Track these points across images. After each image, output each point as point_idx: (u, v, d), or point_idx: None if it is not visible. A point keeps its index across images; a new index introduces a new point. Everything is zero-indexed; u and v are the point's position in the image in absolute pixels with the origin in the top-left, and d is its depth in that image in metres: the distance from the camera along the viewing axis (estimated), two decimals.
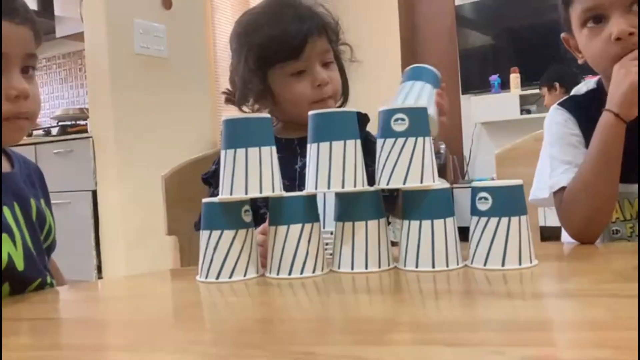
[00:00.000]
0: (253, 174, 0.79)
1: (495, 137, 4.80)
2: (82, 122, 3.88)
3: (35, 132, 3.91)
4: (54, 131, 3.79)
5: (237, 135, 0.80)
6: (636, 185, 0.96)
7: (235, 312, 0.68)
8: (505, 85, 4.60)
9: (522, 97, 4.49)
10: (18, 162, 0.92)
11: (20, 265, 0.81)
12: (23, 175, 0.90)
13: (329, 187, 0.80)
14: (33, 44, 0.83)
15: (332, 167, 0.80)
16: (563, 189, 0.97)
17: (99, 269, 3.59)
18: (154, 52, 3.71)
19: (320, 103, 1.07)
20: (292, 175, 1.02)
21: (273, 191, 0.80)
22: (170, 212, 1.20)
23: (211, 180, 1.08)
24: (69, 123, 3.91)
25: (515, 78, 4.52)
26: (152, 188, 2.36)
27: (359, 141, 0.82)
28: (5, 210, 0.82)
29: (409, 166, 0.79)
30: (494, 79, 4.63)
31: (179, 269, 1.06)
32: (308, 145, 0.82)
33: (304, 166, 1.03)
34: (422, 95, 0.95)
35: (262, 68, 1.07)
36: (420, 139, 0.80)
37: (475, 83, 4.78)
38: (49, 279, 0.86)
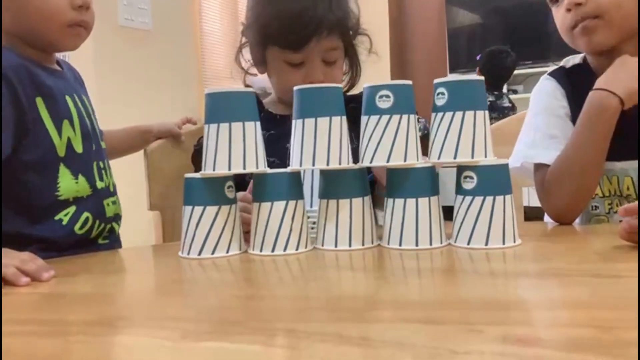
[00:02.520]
0: (236, 149, 0.78)
1: None
2: None
3: None
4: None
5: (220, 109, 0.79)
6: (615, 163, 0.96)
7: (216, 288, 0.67)
8: None
9: None
10: (64, 65, 1.02)
11: (78, 147, 0.94)
12: (71, 76, 1.02)
13: (313, 164, 0.79)
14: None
15: (317, 144, 0.79)
16: (544, 166, 0.96)
17: None
18: (139, 25, 3.64)
19: None
20: (283, 154, 1.00)
21: (257, 167, 0.79)
22: (153, 187, 1.18)
23: (198, 157, 1.05)
24: None
25: None
26: (135, 163, 2.34)
27: (344, 117, 0.81)
28: (68, 99, 0.94)
29: (393, 144, 0.78)
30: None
31: (161, 245, 1.05)
32: (293, 121, 0.81)
33: None
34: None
35: (262, 43, 1.04)
36: (405, 117, 0.79)
37: (463, 61, 4.76)
38: (102, 163, 0.99)
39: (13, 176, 0.89)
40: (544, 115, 1.00)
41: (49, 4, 0.90)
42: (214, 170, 0.78)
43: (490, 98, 3.33)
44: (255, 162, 0.79)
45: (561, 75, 1.01)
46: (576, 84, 0.99)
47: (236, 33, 4.66)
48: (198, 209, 0.80)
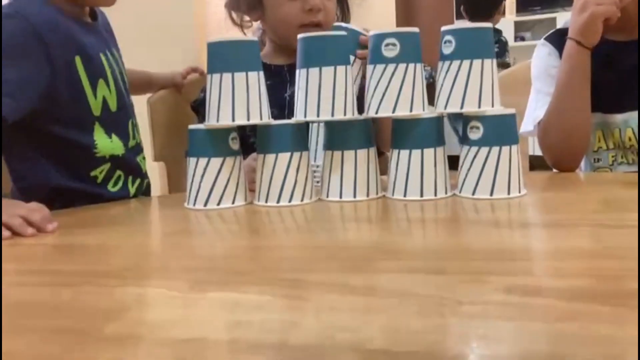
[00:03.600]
0: (240, 100, 0.77)
1: None
2: None
3: None
4: None
5: (223, 59, 0.78)
6: (615, 116, 0.98)
7: (223, 239, 0.68)
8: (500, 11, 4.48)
9: (517, 23, 4.39)
10: (99, 14, 1.00)
11: (113, 106, 0.94)
12: (103, 27, 1.00)
13: (318, 115, 0.78)
14: None
15: (322, 95, 0.78)
16: None
17: None
18: None
19: (308, 28, 1.02)
20: (281, 104, 1.00)
21: (261, 119, 0.79)
22: (156, 138, 1.18)
23: (200, 109, 1.05)
24: None
25: (510, 3, 4.40)
26: (138, 114, 2.32)
27: (349, 67, 0.79)
28: (102, 57, 0.93)
29: (399, 94, 0.77)
30: None
31: (167, 196, 1.05)
32: (297, 71, 0.80)
33: (293, 94, 1.01)
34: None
35: None
36: (411, 66, 0.77)
37: None
38: (134, 121, 1.00)
39: (51, 132, 0.89)
40: (542, 77, 1.03)
41: None
42: (217, 121, 0.78)
43: None
44: (259, 113, 0.78)
45: (555, 38, 1.03)
46: None
47: None
48: (203, 161, 0.79)
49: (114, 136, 0.95)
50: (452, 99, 0.77)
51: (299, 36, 0.79)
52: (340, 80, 0.78)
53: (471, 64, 0.76)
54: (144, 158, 1.03)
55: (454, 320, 0.38)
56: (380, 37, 0.77)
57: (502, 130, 0.77)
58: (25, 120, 0.85)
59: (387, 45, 0.77)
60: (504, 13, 4.44)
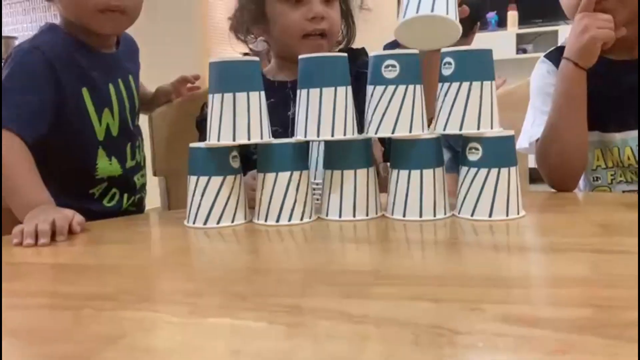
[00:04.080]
0: (241, 119, 0.78)
1: None
2: None
3: None
4: None
5: (225, 78, 0.78)
6: (614, 134, 0.99)
7: (222, 260, 0.68)
8: (502, 24, 4.51)
9: (518, 35, 4.41)
10: (123, 41, 1.09)
11: (115, 131, 1.03)
12: (125, 53, 1.09)
13: (318, 135, 0.79)
14: None
15: (322, 115, 0.78)
16: None
17: None
18: None
19: (312, 38, 1.02)
20: (285, 122, 1.00)
21: (261, 138, 0.79)
22: (157, 153, 1.19)
23: (203, 124, 1.05)
24: None
25: (512, 16, 4.42)
26: (142, 123, 2.33)
27: (349, 87, 0.80)
28: (110, 87, 1.02)
29: (399, 115, 0.78)
30: (491, 16, 4.53)
31: (167, 212, 1.06)
32: (298, 91, 0.81)
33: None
34: None
35: None
36: (410, 87, 0.78)
37: None
38: (137, 142, 1.09)
39: (58, 156, 0.98)
40: (540, 95, 1.03)
41: None
42: (218, 140, 0.78)
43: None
44: (260, 132, 0.79)
45: (555, 56, 1.03)
46: None
47: None
48: (203, 179, 0.80)
49: (113, 159, 1.05)
50: (452, 120, 0.78)
51: (300, 57, 0.80)
52: (341, 101, 0.79)
53: (470, 85, 0.77)
54: (142, 175, 1.12)
55: (450, 351, 0.39)
56: (380, 59, 0.78)
57: (501, 152, 0.77)
58: (35, 144, 0.92)
59: (387, 66, 0.78)
60: (505, 25, 4.47)
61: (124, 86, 1.06)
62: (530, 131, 1.02)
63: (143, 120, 1.18)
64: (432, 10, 0.75)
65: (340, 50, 1.09)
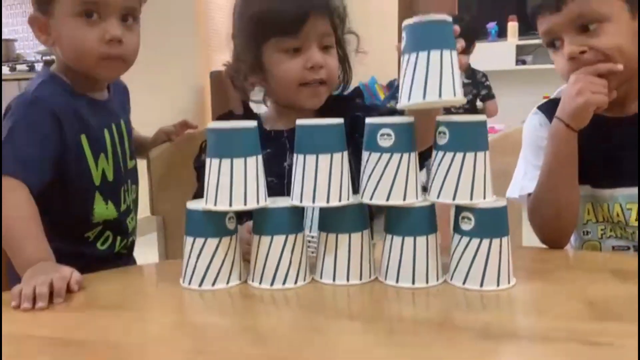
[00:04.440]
0: (238, 185, 0.79)
1: None
2: None
3: (19, 67, 3.82)
4: (38, 67, 3.69)
5: (222, 145, 0.79)
6: (604, 190, 1.00)
7: (215, 333, 0.69)
8: (502, 34, 4.52)
9: (518, 47, 4.42)
10: (114, 87, 1.12)
11: (110, 176, 1.06)
12: (116, 100, 1.12)
13: (313, 202, 0.80)
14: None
15: (318, 181, 0.79)
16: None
17: None
18: None
19: (310, 87, 1.02)
20: (281, 173, 1.01)
21: (257, 203, 0.80)
22: (155, 193, 1.19)
23: (201, 170, 1.06)
24: (53, 59, 3.81)
25: (513, 27, 4.43)
26: (142, 129, 2.33)
27: (345, 153, 0.81)
28: (106, 132, 1.06)
29: (393, 183, 0.79)
30: (492, 26, 4.54)
31: (163, 265, 1.06)
32: (294, 155, 0.81)
33: (292, 163, 1.03)
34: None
35: (257, 40, 1.02)
36: (405, 155, 0.79)
37: (472, 2, 4.68)
38: (126, 185, 1.11)
39: (56, 199, 1.00)
40: (532, 148, 1.04)
41: (79, 38, 0.97)
42: (215, 205, 0.79)
43: None
44: (256, 198, 0.80)
45: (548, 108, 1.04)
46: None
47: None
48: (199, 241, 0.81)
49: (109, 203, 1.07)
50: (445, 189, 0.79)
51: (297, 123, 0.81)
52: (336, 167, 0.80)
53: (464, 156, 0.78)
54: (132, 219, 1.14)
55: None
56: (376, 127, 0.79)
57: (493, 223, 0.78)
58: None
59: (382, 135, 0.79)
60: (505, 36, 4.47)
61: (116, 131, 1.09)
62: (521, 183, 1.03)
63: (141, 160, 1.19)
64: (440, 95, 0.75)
65: (336, 95, 1.09)
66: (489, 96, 3.20)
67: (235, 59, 1.06)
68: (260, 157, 0.81)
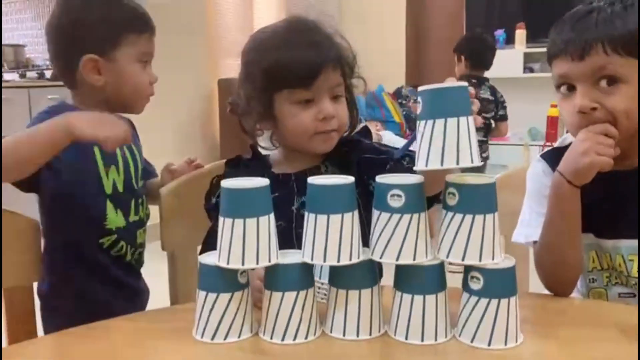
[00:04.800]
0: (250, 245, 0.80)
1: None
2: None
3: (28, 74, 3.85)
4: (48, 74, 3.72)
5: (236, 204, 0.81)
6: (607, 241, 1.01)
7: None
8: (510, 41, 4.51)
9: (526, 54, 4.42)
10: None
11: (120, 187, 1.20)
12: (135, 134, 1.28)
13: (324, 260, 0.81)
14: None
15: (329, 241, 0.80)
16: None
17: None
18: None
19: (322, 135, 1.04)
20: (289, 216, 1.02)
21: (270, 261, 0.82)
22: (165, 228, 1.21)
23: (212, 213, 1.07)
24: None
25: (520, 34, 4.43)
26: (152, 136, 2.36)
27: (356, 212, 0.82)
28: (117, 150, 1.18)
29: (403, 242, 0.80)
30: (499, 33, 4.53)
31: (176, 311, 1.06)
32: (306, 214, 0.83)
33: (301, 206, 1.04)
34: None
35: (268, 90, 1.03)
36: (415, 216, 0.80)
37: (480, 25, 4.67)
38: (140, 199, 1.25)
39: (72, 204, 1.16)
40: (535, 196, 1.05)
41: (139, 79, 1.18)
42: (227, 264, 0.81)
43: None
44: (268, 256, 0.81)
45: (551, 156, 1.05)
46: None
47: (249, 8, 4.58)
48: (212, 296, 0.83)
49: (119, 211, 1.20)
50: (454, 250, 0.80)
51: (309, 182, 0.82)
52: (347, 227, 0.81)
53: (473, 219, 0.79)
54: (143, 231, 1.27)
55: None
56: (386, 188, 0.80)
57: (501, 283, 0.79)
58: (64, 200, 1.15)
59: (392, 195, 0.80)
60: (513, 43, 4.46)
61: (129, 152, 1.23)
62: (526, 231, 1.04)
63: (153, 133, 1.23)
64: (458, 162, 0.76)
65: (344, 138, 1.10)
66: (504, 117, 3.24)
67: (244, 105, 1.07)
68: (272, 216, 0.82)
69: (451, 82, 0.78)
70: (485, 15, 4.78)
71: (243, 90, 1.07)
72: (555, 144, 1.08)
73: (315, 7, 4.76)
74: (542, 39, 4.42)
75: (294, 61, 1.00)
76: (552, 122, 4.28)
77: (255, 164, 1.10)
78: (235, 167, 1.11)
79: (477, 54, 3.19)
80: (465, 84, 0.78)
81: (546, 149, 1.11)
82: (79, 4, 1.16)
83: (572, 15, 0.96)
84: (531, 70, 4.45)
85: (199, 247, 1.11)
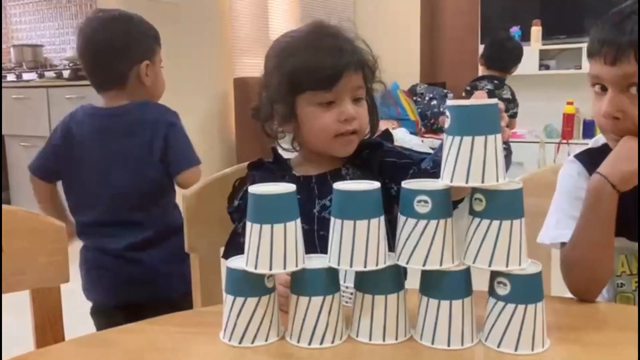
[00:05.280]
0: (277, 250, 0.81)
1: None
2: None
3: (47, 74, 3.88)
4: (66, 74, 3.75)
5: (263, 210, 0.81)
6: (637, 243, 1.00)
7: None
8: (525, 38, 4.47)
9: (541, 51, 4.38)
10: None
11: None
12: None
13: (351, 265, 0.82)
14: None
15: (355, 247, 0.81)
16: (565, 244, 1.00)
17: None
18: None
19: (343, 137, 1.05)
20: (311, 218, 1.03)
21: (297, 266, 0.82)
22: (190, 230, 1.22)
23: (235, 215, 1.09)
24: (80, 66, 3.86)
25: (536, 31, 4.38)
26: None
27: (382, 217, 0.83)
28: None
29: (430, 248, 0.81)
30: (515, 30, 4.49)
31: (202, 314, 1.07)
32: (332, 219, 0.83)
33: (322, 209, 1.05)
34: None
35: (291, 93, 1.05)
36: (442, 222, 0.80)
37: (495, 34, 4.64)
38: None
39: None
40: (567, 197, 1.04)
41: (163, 77, 1.64)
42: (255, 269, 0.82)
43: (489, 86, 3.22)
44: (295, 261, 0.82)
45: (585, 157, 1.04)
46: (598, 165, 0.99)
47: (264, 7, 4.59)
48: (239, 300, 0.84)
49: None
50: (481, 255, 0.80)
51: (335, 187, 0.82)
52: (374, 233, 0.81)
53: (500, 224, 0.79)
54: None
55: None
56: (413, 193, 0.81)
57: (528, 289, 0.80)
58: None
59: (419, 201, 0.80)
60: (529, 40, 4.42)
61: None
62: (553, 232, 1.03)
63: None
64: (483, 181, 0.77)
65: (366, 141, 1.11)
66: (515, 115, 3.33)
67: (267, 108, 1.08)
68: (298, 221, 0.83)
69: (480, 99, 0.79)
70: (500, 12, 4.74)
71: (266, 93, 1.09)
72: (589, 145, 1.07)
73: (328, 5, 4.75)
74: (557, 36, 4.39)
75: (316, 64, 1.02)
76: (568, 119, 4.25)
77: (277, 167, 1.11)
78: (257, 169, 1.12)
79: (496, 54, 3.27)
80: (495, 101, 0.78)
81: (580, 150, 1.09)
82: (119, 27, 1.52)
83: (615, 14, 0.94)
84: (547, 68, 4.41)
85: (222, 249, 1.13)
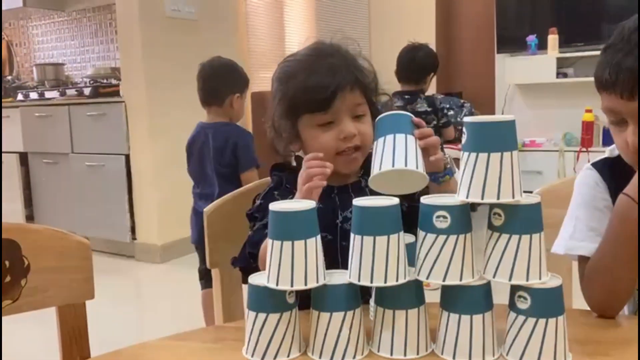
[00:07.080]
0: (299, 267, 0.82)
1: (529, 99, 4.70)
2: (114, 82, 3.89)
3: (68, 92, 3.95)
4: (87, 91, 3.82)
5: (284, 227, 0.83)
6: None
7: None
8: (542, 46, 4.46)
9: (559, 59, 4.36)
10: None
11: None
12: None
13: (371, 282, 0.82)
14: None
15: (375, 263, 0.82)
16: (586, 258, 0.99)
17: (133, 230, 3.71)
18: (185, 15, 3.66)
19: (345, 155, 1.09)
20: (334, 229, 1.05)
21: (317, 282, 0.83)
22: (212, 247, 1.24)
23: (256, 214, 1.11)
24: (101, 83, 3.93)
25: (553, 39, 4.37)
26: (183, 153, 2.43)
27: (402, 233, 0.83)
28: None
29: (449, 263, 0.81)
30: (531, 39, 4.49)
31: (225, 330, 1.08)
32: (352, 235, 0.84)
33: (344, 220, 1.07)
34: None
35: (292, 116, 1.10)
36: (461, 237, 0.81)
37: (512, 43, 4.64)
38: None
39: None
40: (585, 207, 1.02)
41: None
42: (277, 285, 0.83)
43: (399, 103, 2.92)
44: (316, 277, 0.83)
45: (603, 167, 1.02)
46: (618, 176, 0.99)
47: (280, 22, 4.64)
48: (261, 316, 0.85)
49: None
50: (501, 270, 0.81)
51: (354, 203, 0.83)
52: (393, 248, 0.82)
53: (519, 239, 0.79)
54: None
55: None
56: (432, 209, 0.81)
57: (549, 302, 0.80)
58: None
59: (438, 217, 0.81)
60: (545, 48, 4.38)
61: None
62: (568, 243, 1.02)
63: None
64: (498, 198, 0.79)
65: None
66: (447, 124, 3.02)
67: (275, 132, 1.13)
68: (319, 237, 0.84)
69: (497, 117, 0.80)
70: (516, 20, 4.74)
71: (273, 115, 1.14)
72: (606, 154, 1.06)
73: (344, 30, 4.78)
74: (574, 44, 4.36)
75: (310, 87, 1.06)
76: (588, 127, 4.22)
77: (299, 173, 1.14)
78: (281, 171, 1.16)
79: (404, 69, 3.01)
80: (512, 117, 0.79)
81: (597, 158, 1.07)
82: (227, 66, 2.41)
83: (624, 39, 0.89)
84: (565, 76, 4.39)
85: None
